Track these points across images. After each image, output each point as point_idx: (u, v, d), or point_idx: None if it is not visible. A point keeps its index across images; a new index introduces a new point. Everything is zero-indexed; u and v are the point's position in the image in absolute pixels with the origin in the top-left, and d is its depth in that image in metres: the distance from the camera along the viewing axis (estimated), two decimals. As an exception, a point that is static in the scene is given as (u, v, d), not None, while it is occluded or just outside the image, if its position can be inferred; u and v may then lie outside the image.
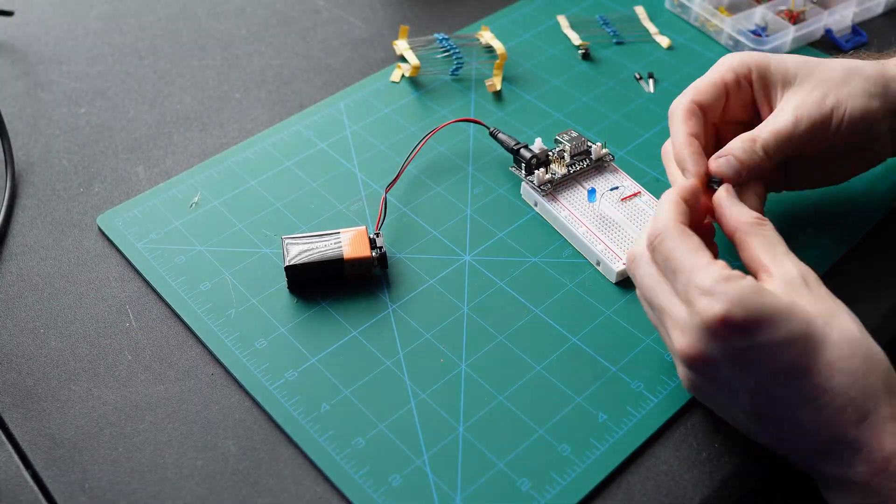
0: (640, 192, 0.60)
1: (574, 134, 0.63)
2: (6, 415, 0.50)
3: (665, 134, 0.67)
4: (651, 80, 0.71)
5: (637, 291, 0.49)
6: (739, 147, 0.52)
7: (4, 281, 0.57)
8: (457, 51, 0.72)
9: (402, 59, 0.73)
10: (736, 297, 0.42)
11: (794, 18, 0.74)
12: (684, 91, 0.55)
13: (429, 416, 0.50)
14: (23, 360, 0.53)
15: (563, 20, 0.78)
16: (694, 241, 0.45)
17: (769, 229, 0.48)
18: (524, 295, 0.56)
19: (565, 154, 0.62)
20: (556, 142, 0.62)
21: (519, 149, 0.62)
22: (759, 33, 0.74)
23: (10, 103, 0.70)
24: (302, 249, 0.55)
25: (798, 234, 0.59)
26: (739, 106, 0.56)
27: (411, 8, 0.80)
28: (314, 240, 0.56)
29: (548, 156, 0.61)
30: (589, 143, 0.62)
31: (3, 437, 0.48)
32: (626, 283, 0.57)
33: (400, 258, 0.58)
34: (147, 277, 0.57)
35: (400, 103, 0.70)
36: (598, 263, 0.57)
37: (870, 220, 0.60)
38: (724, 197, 0.50)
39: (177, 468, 0.48)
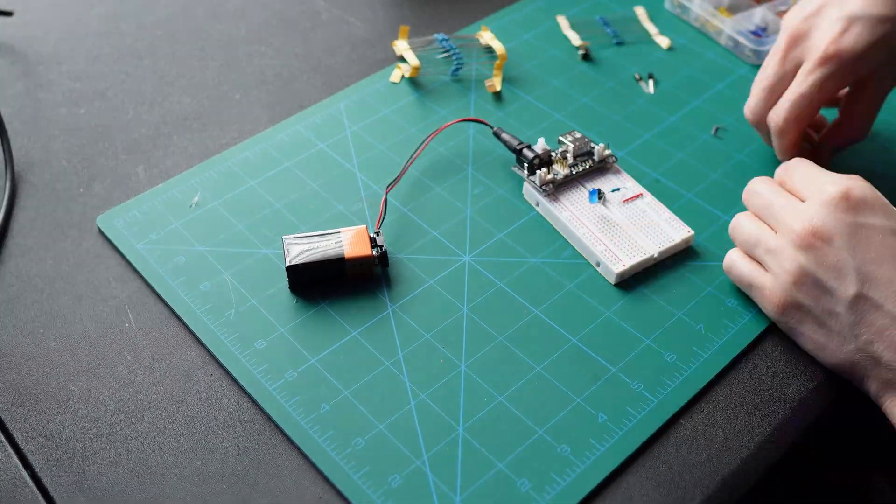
0: (641, 194, 0.60)
1: (577, 135, 0.62)
2: (5, 415, 0.50)
3: (665, 134, 0.67)
4: (651, 81, 0.71)
5: (737, 218, 0.55)
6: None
7: (4, 281, 0.57)
8: (457, 51, 0.72)
9: (402, 59, 0.73)
10: (854, 181, 0.51)
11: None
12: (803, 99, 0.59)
13: (428, 416, 0.50)
14: (22, 361, 0.53)
15: (563, 21, 0.78)
16: (819, 167, 0.54)
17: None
18: (524, 295, 0.56)
19: (568, 154, 0.62)
20: (560, 142, 0.62)
21: (522, 149, 0.62)
22: (760, 34, 0.74)
23: (9, 103, 0.70)
24: (303, 249, 0.55)
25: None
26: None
27: (411, 8, 0.80)
28: (315, 239, 0.56)
29: (550, 156, 0.61)
30: (592, 144, 0.62)
31: (3, 438, 0.48)
32: (625, 284, 0.57)
33: (400, 258, 0.58)
34: (146, 278, 0.57)
35: (400, 104, 0.70)
36: (598, 264, 0.57)
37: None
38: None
39: (176, 468, 0.48)
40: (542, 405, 0.50)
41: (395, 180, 0.61)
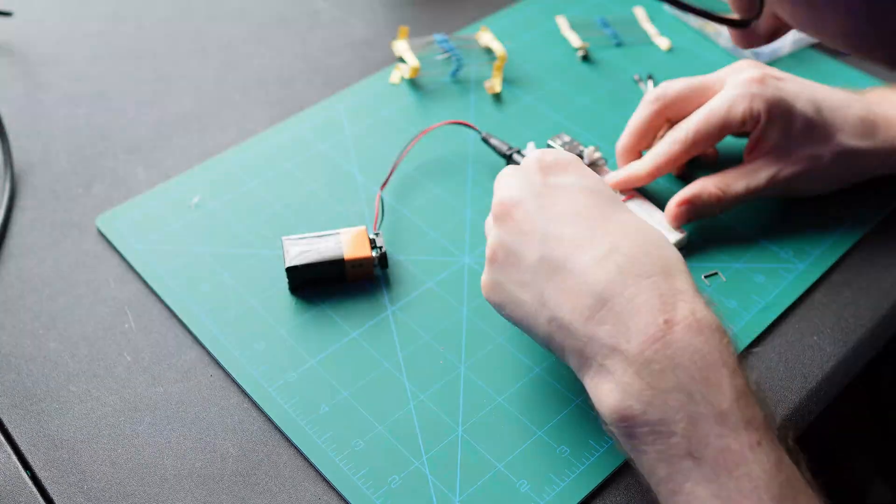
0: (633, 196, 0.60)
1: (567, 138, 0.63)
2: (5, 416, 0.50)
3: (664, 136, 0.67)
4: (650, 82, 0.71)
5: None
6: (705, 198, 0.58)
7: (3, 282, 0.57)
8: (456, 52, 0.72)
9: (402, 60, 0.73)
10: (553, 151, 0.49)
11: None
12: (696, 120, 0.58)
13: (428, 417, 0.50)
14: (22, 362, 0.53)
15: (562, 22, 0.78)
16: None
17: None
18: (523, 296, 0.56)
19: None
20: (548, 146, 0.62)
21: (511, 154, 0.62)
22: None
23: (9, 104, 0.70)
24: (302, 250, 0.55)
25: (798, 235, 0.59)
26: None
27: (411, 9, 0.80)
28: (314, 240, 0.56)
29: None
30: (581, 147, 0.62)
31: (2, 439, 0.48)
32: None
33: (399, 260, 0.58)
34: (146, 279, 0.57)
35: (399, 105, 0.70)
36: None
37: (870, 221, 0.60)
38: None
39: (176, 469, 0.48)
40: (541, 406, 0.50)
41: (386, 179, 0.61)
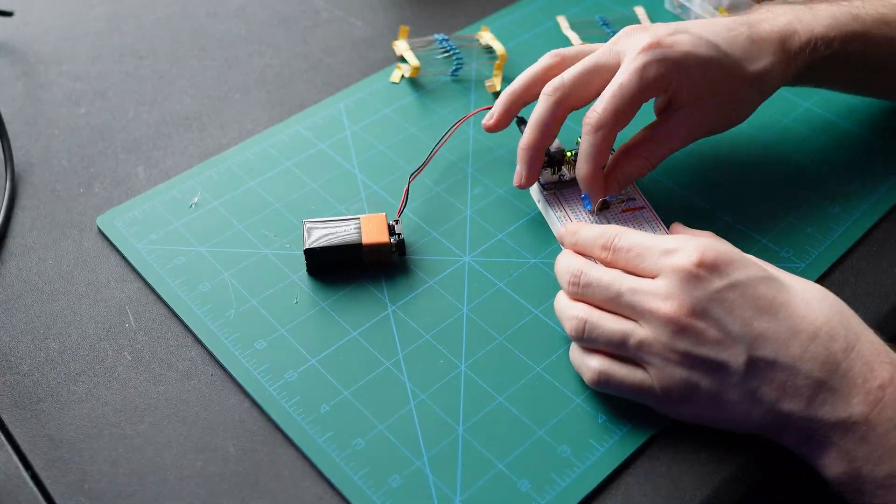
0: (644, 207, 0.59)
1: None
2: (6, 415, 0.50)
3: (665, 135, 0.66)
4: (651, 81, 0.71)
5: (582, 318, 0.49)
6: (634, 173, 0.57)
7: (4, 281, 0.57)
8: (457, 51, 0.72)
9: (402, 59, 0.73)
10: (705, 244, 0.47)
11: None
12: (604, 103, 0.55)
13: (428, 417, 0.50)
14: (22, 361, 0.53)
15: (563, 21, 0.78)
16: (644, 233, 0.50)
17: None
18: (524, 296, 0.56)
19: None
20: (577, 143, 0.62)
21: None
22: None
23: (10, 103, 0.70)
24: (322, 234, 0.56)
25: (798, 235, 0.59)
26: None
27: (411, 8, 0.80)
28: (334, 224, 0.57)
29: (563, 155, 0.61)
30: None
31: (3, 438, 0.48)
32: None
33: (399, 259, 0.58)
34: (146, 278, 0.57)
35: (400, 104, 0.70)
36: None
37: (870, 221, 0.60)
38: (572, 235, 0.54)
39: (176, 469, 0.48)
40: (541, 405, 0.50)
41: (420, 168, 0.61)
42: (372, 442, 0.49)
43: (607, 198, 0.58)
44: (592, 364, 0.49)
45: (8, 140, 0.65)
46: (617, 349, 0.48)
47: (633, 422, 0.49)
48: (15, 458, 0.47)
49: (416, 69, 0.71)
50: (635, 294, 0.47)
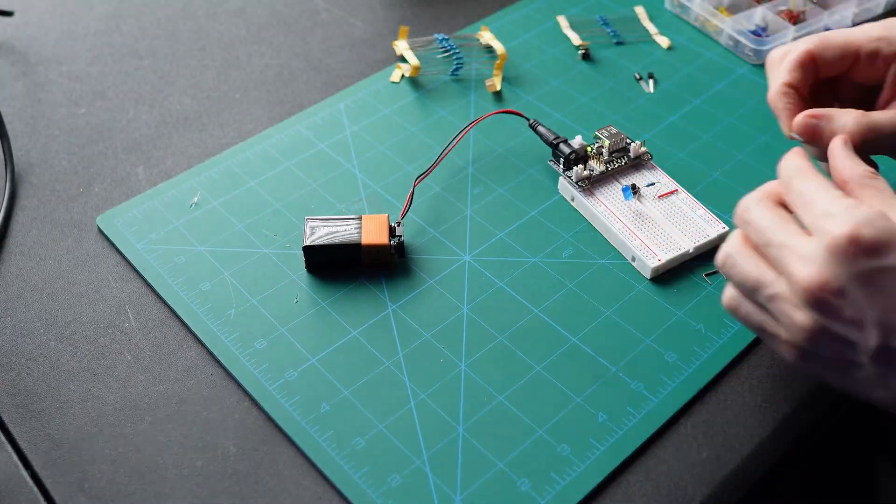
0: (676, 191, 0.60)
1: (613, 130, 0.62)
2: (5, 415, 0.50)
3: (665, 134, 0.67)
4: (651, 81, 0.71)
5: (728, 251, 0.47)
6: (845, 122, 0.50)
7: (4, 281, 0.57)
8: (457, 51, 0.72)
9: (402, 59, 0.73)
10: (865, 219, 0.42)
11: (795, 19, 0.74)
12: (806, 38, 0.52)
13: (428, 416, 0.50)
14: (22, 361, 0.53)
15: (562, 20, 0.78)
16: (826, 181, 0.46)
17: (882, 182, 0.46)
18: (524, 295, 0.56)
19: (604, 150, 0.61)
20: (596, 137, 0.62)
21: (558, 143, 0.62)
22: (759, 33, 0.74)
23: (10, 103, 0.70)
24: (323, 232, 0.56)
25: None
26: (867, 75, 0.53)
27: (411, 8, 0.80)
28: (336, 223, 0.57)
29: (586, 151, 0.61)
30: (628, 140, 0.62)
31: (3, 438, 0.48)
32: (625, 284, 0.56)
33: (400, 258, 0.58)
34: (146, 278, 0.57)
35: (400, 104, 0.70)
36: (633, 259, 0.57)
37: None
38: (838, 147, 0.48)
39: (176, 468, 0.48)
40: (542, 405, 0.50)
41: (428, 171, 0.61)
42: (372, 441, 0.48)
43: (647, 185, 0.60)
44: (728, 291, 0.48)
45: (8, 140, 0.65)
46: (748, 294, 0.47)
47: (633, 422, 0.49)
48: (15, 457, 0.47)
49: (416, 69, 0.71)
50: (782, 248, 0.44)
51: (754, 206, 0.47)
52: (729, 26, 0.74)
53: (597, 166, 0.61)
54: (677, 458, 0.48)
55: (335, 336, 0.54)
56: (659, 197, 0.60)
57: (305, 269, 0.57)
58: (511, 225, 0.60)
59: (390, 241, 0.56)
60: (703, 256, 0.58)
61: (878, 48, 0.52)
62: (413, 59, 0.71)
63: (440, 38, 0.73)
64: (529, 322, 0.54)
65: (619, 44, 0.75)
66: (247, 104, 0.70)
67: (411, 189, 0.60)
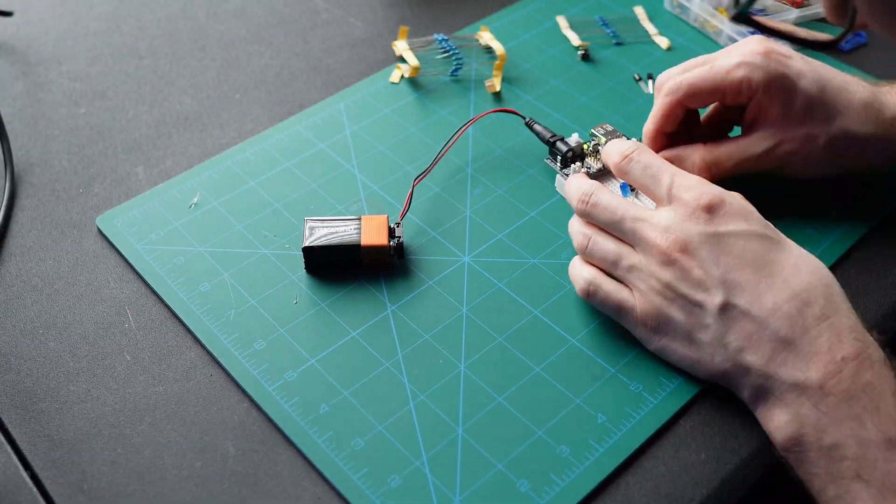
0: None
1: (609, 128, 0.62)
2: (5, 416, 0.50)
3: (665, 135, 0.67)
4: (650, 81, 0.71)
5: (586, 233, 0.53)
6: (693, 161, 0.58)
7: (3, 281, 0.57)
8: (456, 51, 0.72)
9: (402, 59, 0.73)
10: (713, 189, 0.49)
11: (798, 3, 0.73)
12: (686, 67, 0.58)
13: (428, 417, 0.50)
14: (22, 361, 0.53)
15: (562, 21, 0.78)
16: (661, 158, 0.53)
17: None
18: (523, 296, 0.56)
19: (600, 147, 0.61)
20: (592, 135, 0.62)
21: (555, 141, 0.62)
22: (757, 13, 0.73)
23: (9, 103, 0.70)
24: (322, 233, 0.56)
25: (798, 235, 0.59)
26: (733, 99, 0.58)
27: (411, 8, 0.80)
28: (336, 224, 0.57)
29: (583, 149, 0.61)
30: (624, 137, 0.62)
31: (2, 438, 0.48)
32: (625, 284, 0.56)
33: (399, 259, 0.58)
34: (146, 278, 0.57)
35: (400, 104, 0.70)
36: None
37: (870, 220, 0.60)
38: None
39: (176, 469, 0.48)
40: (541, 406, 0.50)
41: (425, 172, 0.61)
42: (371, 442, 0.49)
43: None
44: (585, 274, 0.53)
45: (8, 140, 0.65)
46: (610, 267, 0.52)
47: (632, 423, 0.49)
48: (15, 458, 0.47)
49: (416, 69, 0.71)
50: (636, 221, 0.50)
51: (598, 191, 0.52)
52: (728, 27, 0.74)
53: (594, 164, 0.61)
54: (676, 459, 0.48)
55: (335, 337, 0.54)
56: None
57: (305, 270, 0.57)
58: (510, 226, 0.60)
59: (390, 241, 0.56)
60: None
61: (738, 79, 0.56)
62: (413, 60, 0.71)
63: (440, 38, 0.73)
64: (529, 323, 0.54)
65: (618, 44, 0.75)
66: (247, 104, 0.70)
67: (410, 189, 0.60)
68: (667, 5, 0.79)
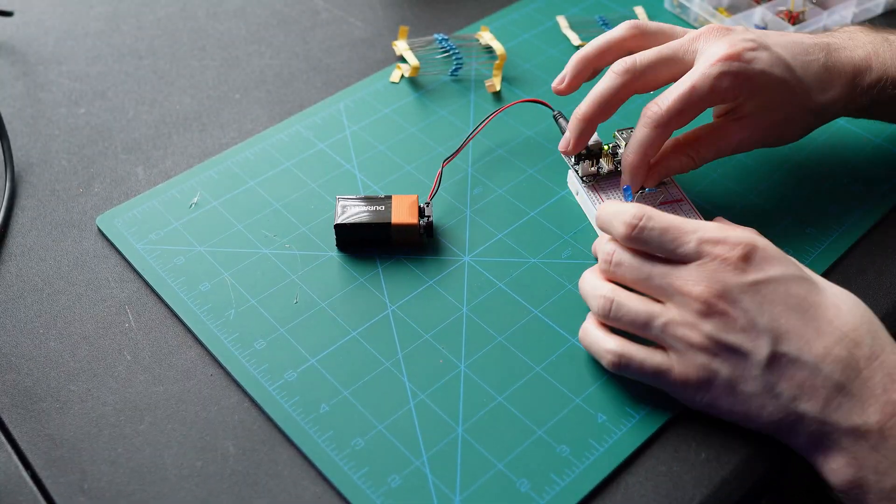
0: (682, 200, 0.59)
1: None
2: (5, 415, 0.50)
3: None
4: (651, 81, 0.71)
5: (608, 296, 0.49)
6: (676, 168, 0.58)
7: (4, 281, 0.57)
8: (456, 51, 0.72)
9: (402, 59, 0.73)
10: (744, 237, 0.47)
11: (794, 19, 0.74)
12: (666, 96, 0.55)
13: (428, 416, 0.50)
14: (22, 361, 0.53)
15: (562, 21, 0.78)
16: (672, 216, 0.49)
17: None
18: (524, 296, 0.56)
19: (619, 150, 0.61)
20: (615, 136, 0.62)
21: None
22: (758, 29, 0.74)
23: (9, 103, 0.70)
24: (353, 211, 0.58)
25: (798, 235, 0.59)
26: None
27: (411, 8, 0.80)
28: (367, 203, 0.58)
29: (601, 149, 0.61)
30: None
31: (3, 438, 0.48)
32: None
33: (399, 259, 0.58)
34: (146, 278, 0.57)
35: (400, 104, 0.70)
36: None
37: (869, 220, 0.60)
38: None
39: (176, 469, 0.48)
40: (541, 405, 0.50)
41: (455, 153, 0.62)
42: (371, 441, 0.49)
43: (646, 190, 0.59)
44: (611, 346, 0.49)
45: (8, 140, 0.65)
46: (641, 330, 0.48)
47: (632, 422, 0.49)
48: (15, 457, 0.47)
49: (416, 69, 0.71)
50: (667, 276, 0.48)
51: (619, 250, 0.50)
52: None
53: (606, 164, 0.61)
54: (676, 458, 0.48)
55: (335, 337, 0.54)
56: (660, 203, 0.59)
57: (336, 248, 0.58)
58: (511, 225, 0.60)
59: (419, 220, 0.57)
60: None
61: (721, 96, 0.55)
62: (413, 60, 0.71)
63: (440, 38, 0.73)
64: (529, 323, 0.54)
65: (618, 44, 0.75)
66: (247, 104, 0.70)
67: (439, 170, 0.61)
68: (667, 5, 0.79)
